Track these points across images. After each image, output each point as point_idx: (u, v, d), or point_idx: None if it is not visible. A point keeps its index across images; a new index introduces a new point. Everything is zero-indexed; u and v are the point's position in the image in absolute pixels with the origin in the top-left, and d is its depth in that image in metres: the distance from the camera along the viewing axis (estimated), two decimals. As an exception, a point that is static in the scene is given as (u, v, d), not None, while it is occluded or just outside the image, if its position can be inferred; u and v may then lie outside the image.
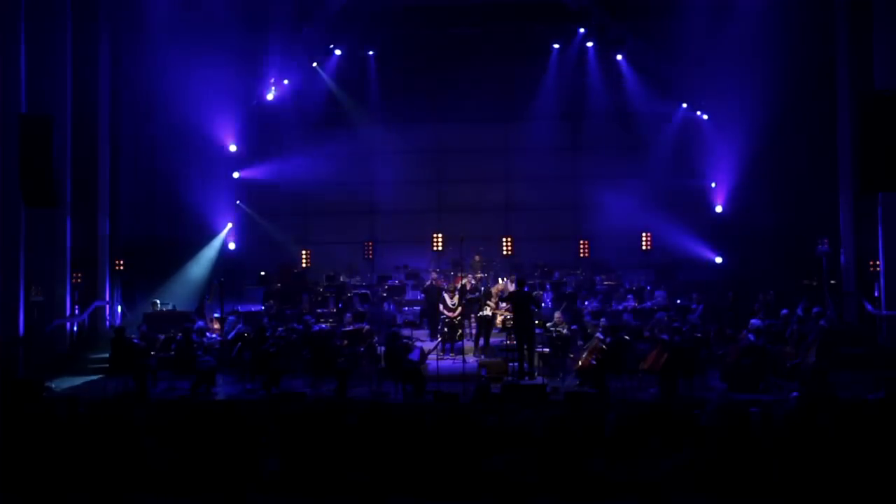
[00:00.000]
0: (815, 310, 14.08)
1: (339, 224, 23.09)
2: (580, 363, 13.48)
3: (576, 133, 22.57)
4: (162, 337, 14.93)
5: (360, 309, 16.67)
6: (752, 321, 13.84)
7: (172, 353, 14.24)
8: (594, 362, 13.20)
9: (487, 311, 15.99)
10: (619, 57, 21.20)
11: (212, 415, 9.57)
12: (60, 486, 8.70)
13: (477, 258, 19.26)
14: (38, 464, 8.89)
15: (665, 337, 13.39)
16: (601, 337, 13.47)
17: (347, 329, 14.85)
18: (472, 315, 16.56)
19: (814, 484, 8.14)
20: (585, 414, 9.56)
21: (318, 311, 17.53)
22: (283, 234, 22.56)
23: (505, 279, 17.15)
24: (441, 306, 16.27)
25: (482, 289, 16.88)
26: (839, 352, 13.86)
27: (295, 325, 15.70)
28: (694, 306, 16.57)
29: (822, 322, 13.33)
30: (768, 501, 8.30)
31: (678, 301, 17.54)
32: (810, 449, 8.32)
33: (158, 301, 17.92)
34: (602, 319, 14.85)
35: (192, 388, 13.43)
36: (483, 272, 18.71)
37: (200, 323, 15.58)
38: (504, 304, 15.59)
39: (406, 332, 14.59)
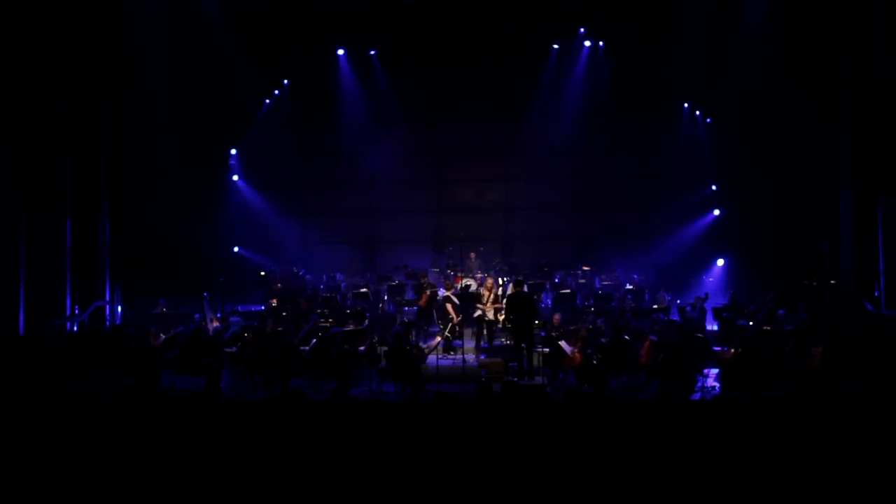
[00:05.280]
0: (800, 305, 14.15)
1: (338, 224, 23.09)
2: (569, 354, 13.54)
3: (576, 133, 22.52)
4: (162, 337, 14.90)
5: (359, 309, 16.66)
6: (739, 321, 13.90)
7: (177, 351, 14.19)
8: (594, 361, 13.19)
9: (480, 311, 16.05)
10: (618, 57, 21.20)
11: (213, 414, 9.58)
12: (61, 485, 8.71)
13: (473, 256, 19.26)
14: (38, 464, 8.90)
15: (653, 337, 13.40)
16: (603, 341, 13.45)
17: (347, 329, 14.84)
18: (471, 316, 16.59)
19: (813, 483, 8.15)
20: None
21: (318, 311, 17.49)
22: (282, 234, 22.54)
23: (493, 277, 17.23)
24: (448, 305, 16.34)
25: (478, 288, 16.90)
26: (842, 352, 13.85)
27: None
28: (688, 309, 16.55)
29: (826, 322, 13.35)
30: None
31: (678, 301, 17.54)
32: (810, 447, 8.33)
33: (160, 301, 17.91)
34: (601, 320, 14.85)
35: (206, 385, 13.37)
36: (481, 272, 18.71)
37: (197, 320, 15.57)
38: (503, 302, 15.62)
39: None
